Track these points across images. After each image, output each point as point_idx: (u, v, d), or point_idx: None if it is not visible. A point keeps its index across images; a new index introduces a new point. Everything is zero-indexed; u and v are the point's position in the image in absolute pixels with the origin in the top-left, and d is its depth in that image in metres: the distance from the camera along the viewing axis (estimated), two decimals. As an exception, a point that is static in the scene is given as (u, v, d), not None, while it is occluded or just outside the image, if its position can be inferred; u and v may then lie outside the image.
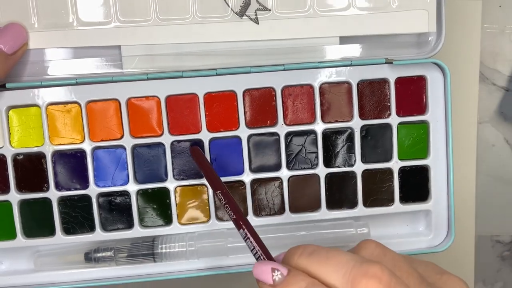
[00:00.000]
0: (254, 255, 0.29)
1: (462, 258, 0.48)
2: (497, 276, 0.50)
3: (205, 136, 0.39)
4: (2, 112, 0.38)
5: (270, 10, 0.39)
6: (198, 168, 0.38)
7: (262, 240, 0.29)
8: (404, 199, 0.41)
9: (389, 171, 0.41)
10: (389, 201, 0.41)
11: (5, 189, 0.39)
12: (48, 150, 0.39)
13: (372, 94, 0.40)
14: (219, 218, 0.40)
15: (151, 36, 0.39)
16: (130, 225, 0.40)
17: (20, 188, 0.39)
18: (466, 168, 0.47)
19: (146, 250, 0.39)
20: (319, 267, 0.26)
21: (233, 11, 0.39)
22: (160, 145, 0.39)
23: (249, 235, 0.30)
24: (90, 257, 0.39)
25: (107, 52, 0.39)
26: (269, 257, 0.28)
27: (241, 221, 0.31)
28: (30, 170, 0.39)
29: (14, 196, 0.39)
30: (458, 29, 0.44)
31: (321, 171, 0.40)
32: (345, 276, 0.25)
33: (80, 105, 0.39)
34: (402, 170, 0.41)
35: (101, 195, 0.39)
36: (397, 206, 0.41)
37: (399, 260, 0.27)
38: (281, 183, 0.40)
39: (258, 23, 0.39)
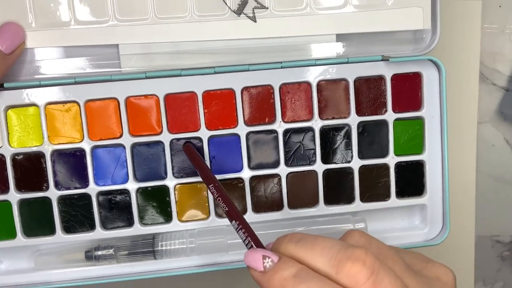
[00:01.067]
0: (246, 245, 0.29)
1: (462, 258, 0.49)
2: (497, 276, 0.51)
3: (204, 134, 0.40)
4: (0, 112, 0.38)
5: (267, 8, 0.39)
6: (192, 164, 0.39)
7: (254, 232, 0.30)
8: (400, 194, 0.42)
9: (385, 167, 0.41)
10: (385, 196, 0.42)
11: (5, 189, 0.39)
12: (48, 149, 0.39)
13: (368, 91, 0.40)
14: (219, 215, 0.41)
15: (149, 35, 0.39)
16: (130, 223, 0.40)
17: (20, 187, 0.39)
18: (466, 168, 0.47)
19: (146, 248, 0.39)
20: (305, 253, 0.26)
21: (230, 9, 0.39)
22: (159, 143, 0.39)
23: (241, 226, 0.30)
24: (91, 256, 0.39)
25: (105, 51, 0.39)
26: (261, 247, 0.29)
27: (233, 213, 0.31)
28: (30, 169, 0.39)
29: (14, 196, 0.39)
30: (458, 29, 0.45)
31: (319, 167, 0.41)
32: (331, 260, 0.25)
33: (79, 104, 0.39)
34: (398, 166, 0.41)
35: (101, 193, 0.40)
36: (393, 200, 0.42)
37: (384, 248, 0.28)
38: (280, 179, 0.41)
39: (255, 21, 0.39)
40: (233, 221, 0.31)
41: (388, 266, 0.25)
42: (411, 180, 0.42)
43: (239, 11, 0.39)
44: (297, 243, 0.27)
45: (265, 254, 0.27)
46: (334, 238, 0.27)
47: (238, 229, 0.30)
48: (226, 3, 0.39)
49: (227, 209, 0.32)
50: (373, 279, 0.24)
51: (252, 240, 0.29)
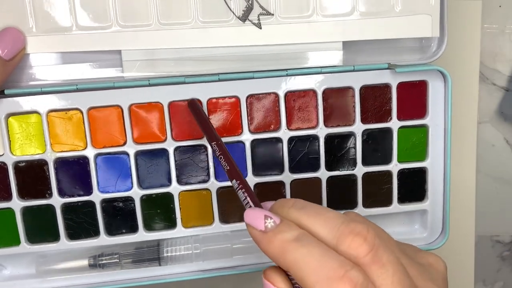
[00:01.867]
0: (245, 205, 0.29)
1: (462, 258, 0.50)
2: (497, 276, 0.52)
3: (208, 141, 0.39)
4: (1, 120, 0.38)
5: (273, 14, 0.38)
6: (196, 121, 0.37)
7: (253, 192, 0.30)
8: (402, 199, 0.42)
9: (388, 174, 0.42)
10: (387, 201, 0.42)
11: (7, 197, 0.39)
12: (50, 157, 0.38)
13: (374, 99, 0.40)
14: (223, 221, 0.41)
15: (152, 41, 0.38)
16: (134, 230, 0.40)
17: (22, 195, 0.39)
18: (466, 168, 0.48)
19: (151, 255, 0.40)
20: (308, 220, 0.26)
21: (235, 15, 0.38)
22: (164, 151, 0.39)
23: (241, 185, 0.30)
24: (95, 264, 0.39)
25: (108, 57, 0.39)
26: (257, 204, 0.29)
27: (234, 172, 0.31)
28: (32, 177, 0.39)
29: (17, 203, 0.39)
30: (459, 29, 0.45)
31: (323, 174, 0.41)
32: (333, 231, 0.26)
33: (81, 111, 0.38)
34: (401, 172, 0.42)
35: (104, 201, 0.40)
36: (395, 206, 0.42)
37: (379, 229, 0.29)
38: (284, 186, 0.41)
39: (260, 28, 0.39)
40: (234, 180, 0.31)
41: (387, 245, 0.26)
42: (413, 186, 0.42)
43: (244, 18, 0.38)
44: (301, 210, 0.27)
45: (268, 214, 0.27)
46: None
47: (238, 188, 0.30)
48: (231, 9, 0.38)
49: (228, 167, 0.32)
50: (372, 254, 0.25)
51: (251, 200, 0.29)
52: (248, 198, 0.29)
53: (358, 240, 0.25)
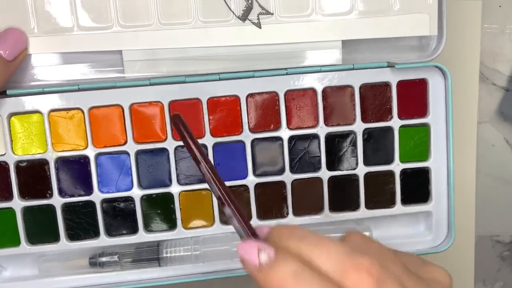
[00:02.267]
0: (238, 233, 0.27)
1: (462, 258, 0.49)
2: (497, 276, 0.51)
3: (209, 140, 0.39)
4: (3, 119, 0.38)
5: (272, 14, 0.39)
6: (180, 138, 0.30)
7: (246, 218, 0.27)
8: (405, 200, 0.42)
9: (390, 174, 0.41)
10: (390, 203, 0.42)
11: (8, 196, 0.39)
12: (51, 156, 0.38)
13: (374, 98, 0.40)
14: (224, 222, 0.40)
15: (153, 41, 0.39)
16: (134, 230, 0.40)
17: (23, 195, 0.39)
18: (466, 168, 0.47)
19: (151, 255, 0.39)
20: (309, 252, 0.25)
21: (235, 15, 0.39)
22: (164, 150, 0.39)
23: (234, 213, 0.27)
24: (95, 262, 0.39)
25: (109, 57, 0.39)
26: (253, 233, 0.27)
27: (226, 198, 0.27)
28: (33, 177, 0.39)
29: (17, 203, 0.39)
30: (458, 29, 0.45)
31: (324, 174, 0.40)
32: (335, 264, 0.25)
33: (82, 111, 0.38)
34: (404, 172, 0.41)
35: (105, 201, 0.39)
36: (398, 207, 0.42)
37: (383, 250, 0.28)
38: (285, 186, 0.40)
39: (260, 27, 0.39)
40: (227, 209, 0.27)
41: (393, 273, 0.25)
42: (417, 187, 0.42)
43: (244, 17, 0.39)
44: (301, 240, 0.26)
45: (260, 247, 0.25)
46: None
47: (231, 216, 0.27)
48: (230, 9, 0.38)
49: (219, 194, 0.28)
50: None
51: (246, 227, 0.26)
52: (242, 225, 0.27)
53: (362, 275, 0.24)
